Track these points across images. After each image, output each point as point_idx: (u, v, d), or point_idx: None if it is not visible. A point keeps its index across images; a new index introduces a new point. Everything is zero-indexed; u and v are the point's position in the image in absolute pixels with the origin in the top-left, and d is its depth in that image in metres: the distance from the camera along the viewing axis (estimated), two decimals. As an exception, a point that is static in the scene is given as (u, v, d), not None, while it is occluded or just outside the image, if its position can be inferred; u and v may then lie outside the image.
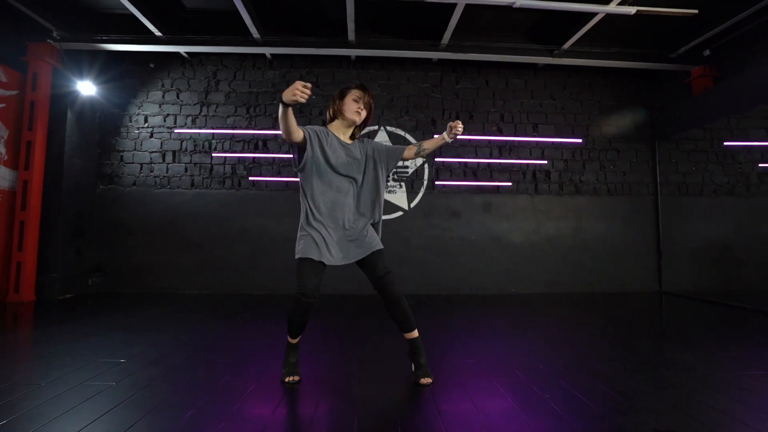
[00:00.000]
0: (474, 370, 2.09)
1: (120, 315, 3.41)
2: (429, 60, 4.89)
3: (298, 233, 1.91)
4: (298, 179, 4.74)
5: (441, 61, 4.91)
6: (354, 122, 1.91)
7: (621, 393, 1.77)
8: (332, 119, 1.97)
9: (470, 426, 1.46)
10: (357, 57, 4.85)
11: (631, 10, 3.71)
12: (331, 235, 1.88)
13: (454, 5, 3.71)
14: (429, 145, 2.02)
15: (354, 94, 1.91)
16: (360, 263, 1.95)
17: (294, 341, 1.97)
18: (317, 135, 1.85)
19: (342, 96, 1.93)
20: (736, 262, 5.09)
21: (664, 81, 5.15)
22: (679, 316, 3.68)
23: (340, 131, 1.95)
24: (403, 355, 2.09)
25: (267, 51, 4.53)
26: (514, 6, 3.64)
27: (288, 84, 4.92)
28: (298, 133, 1.74)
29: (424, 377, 1.87)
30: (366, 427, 1.44)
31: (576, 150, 5.10)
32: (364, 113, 1.92)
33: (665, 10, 3.75)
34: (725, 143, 5.22)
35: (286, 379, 1.89)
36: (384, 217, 4.78)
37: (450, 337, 2.79)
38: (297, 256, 1.87)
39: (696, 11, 3.77)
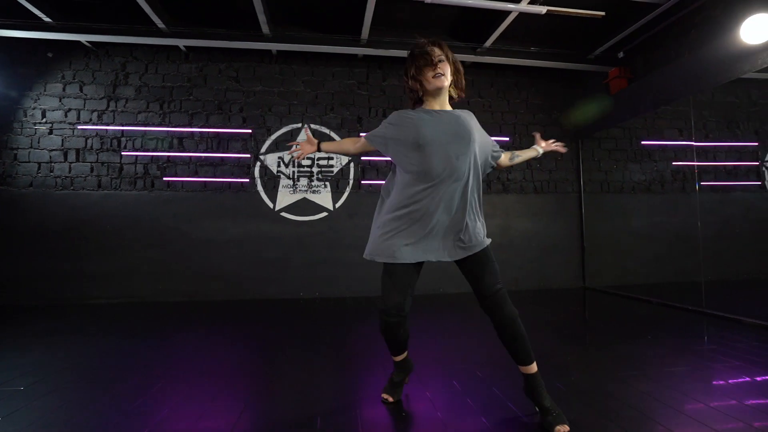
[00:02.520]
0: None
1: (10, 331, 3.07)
2: (355, 56, 4.77)
3: None
4: (215, 179, 4.50)
5: (367, 57, 4.80)
6: (438, 88, 1.55)
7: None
8: (418, 98, 1.62)
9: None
10: (279, 51, 4.65)
11: (542, 9, 3.74)
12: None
13: (363, 2, 3.60)
14: (522, 154, 1.90)
15: (421, 59, 1.54)
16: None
17: (398, 359, 1.78)
18: (397, 126, 1.60)
19: (413, 67, 1.56)
20: (654, 257, 5.32)
21: (586, 81, 5.30)
22: (597, 314, 3.78)
23: (435, 104, 1.61)
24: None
25: (177, 42, 4.24)
26: (425, 2, 3.58)
27: (206, 78, 4.66)
28: (366, 148, 1.72)
29: (559, 424, 1.45)
30: None
31: (504, 148, 5.14)
32: (446, 69, 1.55)
33: (574, 10, 3.81)
34: (643, 142, 5.45)
35: (383, 396, 1.78)
36: (308, 218, 4.65)
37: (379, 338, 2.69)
38: None
39: (603, 13, 3.86)
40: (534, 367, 1.55)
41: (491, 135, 4.96)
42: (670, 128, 5.47)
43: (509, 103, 5.20)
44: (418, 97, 1.62)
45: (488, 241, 1.62)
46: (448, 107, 1.64)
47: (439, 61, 1.55)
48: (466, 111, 1.68)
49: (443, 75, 1.54)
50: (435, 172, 1.51)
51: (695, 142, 4.93)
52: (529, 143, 5.20)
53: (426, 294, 4.64)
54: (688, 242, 5.16)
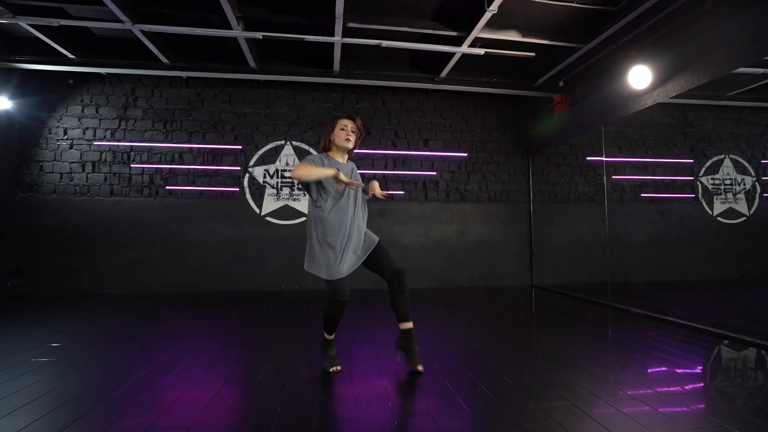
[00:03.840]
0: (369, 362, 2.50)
1: (38, 314, 3.85)
2: (332, 83, 5.53)
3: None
4: (210, 188, 5.24)
5: (342, 84, 5.56)
6: (345, 148, 2.25)
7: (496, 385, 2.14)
8: (328, 147, 2.29)
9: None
10: (265, 80, 5.42)
11: (481, 51, 4.48)
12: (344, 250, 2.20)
13: (332, 44, 4.36)
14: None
15: (341, 123, 2.24)
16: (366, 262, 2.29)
17: (330, 337, 2.32)
18: (321, 162, 2.19)
19: (332, 128, 2.26)
20: (595, 259, 6.03)
21: (536, 105, 6.03)
22: (540, 307, 4.51)
23: (338, 156, 2.28)
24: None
25: (178, 74, 5.02)
26: (381, 46, 4.34)
27: (203, 102, 5.43)
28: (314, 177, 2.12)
29: (419, 364, 2.22)
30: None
31: (462, 163, 5.89)
32: (353, 137, 2.25)
33: (508, 52, 4.55)
34: (587, 158, 6.17)
35: (331, 369, 2.25)
36: (289, 222, 5.41)
37: (354, 329, 3.44)
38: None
39: (533, 54, 4.59)
40: (409, 323, 2.25)
41: (451, 151, 5.70)
42: (611, 147, 6.19)
43: (468, 123, 5.95)
44: (328, 147, 2.33)
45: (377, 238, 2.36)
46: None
47: (351, 131, 2.28)
48: (351, 162, 2.39)
49: (351, 140, 2.28)
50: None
51: (606, 157, 5.63)
52: (485, 159, 5.95)
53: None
54: (623, 248, 5.89)
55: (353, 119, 2.28)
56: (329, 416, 1.74)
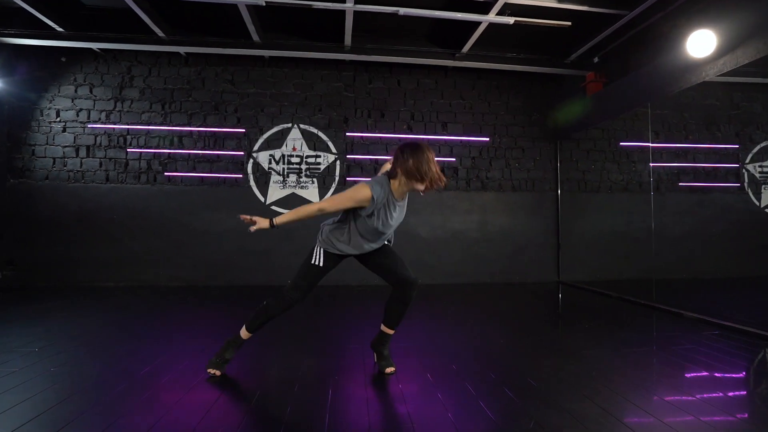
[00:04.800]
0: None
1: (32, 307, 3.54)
2: (342, 60, 5.07)
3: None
4: (212, 174, 4.86)
5: (354, 61, 5.10)
6: (415, 191, 1.87)
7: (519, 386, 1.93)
8: (395, 175, 1.86)
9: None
10: (270, 57, 4.99)
11: (510, 20, 3.98)
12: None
13: (343, 13, 3.90)
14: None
15: (432, 163, 1.82)
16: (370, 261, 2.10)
17: (247, 336, 2.05)
18: (379, 201, 1.85)
19: (418, 167, 1.78)
20: (629, 253, 5.53)
21: (565, 84, 5.49)
22: (569, 305, 4.07)
23: (398, 190, 1.89)
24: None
25: (176, 49, 4.62)
26: (399, 14, 3.86)
27: (204, 81, 5.04)
28: (340, 209, 1.92)
29: (388, 366, 2.08)
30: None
31: (483, 148, 5.41)
32: (423, 188, 1.85)
33: (541, 21, 4.04)
34: (621, 143, 5.64)
35: (210, 370, 2.00)
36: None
37: (360, 326, 3.06)
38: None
39: (569, 23, 4.08)
40: (392, 331, 2.11)
41: (471, 135, 5.22)
42: (648, 130, 5.63)
43: (490, 105, 5.45)
44: (395, 173, 1.87)
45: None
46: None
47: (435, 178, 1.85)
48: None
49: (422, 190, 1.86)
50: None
51: (651, 143, 5.10)
52: (509, 144, 5.46)
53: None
54: (660, 241, 5.37)
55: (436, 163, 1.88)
56: (341, 420, 1.56)
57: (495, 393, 1.82)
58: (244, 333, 2.04)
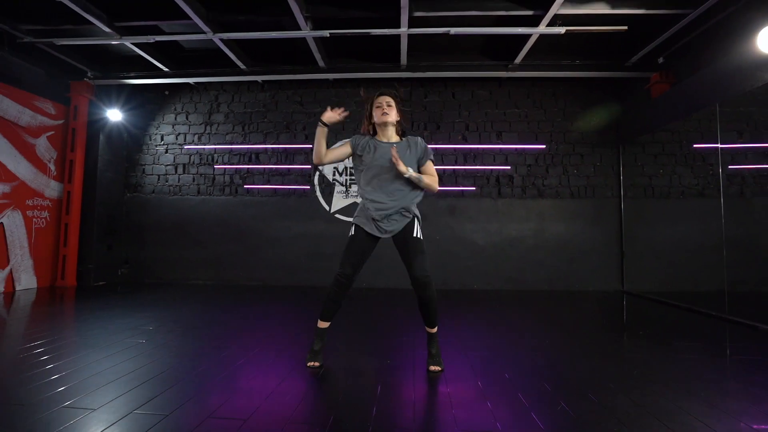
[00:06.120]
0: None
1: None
2: (398, 78, 5.43)
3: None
4: (283, 186, 5.45)
5: (409, 78, 5.43)
6: (385, 123, 2.18)
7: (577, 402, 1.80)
8: (374, 131, 2.25)
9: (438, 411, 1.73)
10: (334, 79, 5.51)
11: (561, 30, 4.04)
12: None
13: (399, 36, 4.26)
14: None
15: (375, 103, 2.19)
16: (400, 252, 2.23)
17: (324, 325, 2.23)
18: (358, 146, 2.20)
19: (369, 112, 2.23)
20: (704, 264, 5.13)
21: (627, 87, 5.31)
22: (635, 316, 3.98)
23: (384, 136, 2.22)
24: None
25: (256, 78, 5.32)
26: (450, 34, 4.12)
27: (277, 104, 5.69)
28: (327, 158, 2.16)
29: (434, 365, 2.18)
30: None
31: (539, 155, 5.41)
32: (391, 110, 2.16)
33: (594, 28, 4.04)
34: (695, 145, 5.28)
35: (309, 363, 2.20)
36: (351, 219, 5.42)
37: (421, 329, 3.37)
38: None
39: (625, 28, 4.02)
40: (435, 330, 2.23)
41: (527, 143, 5.27)
42: (727, 131, 5.22)
43: (546, 112, 5.44)
44: (372, 131, 2.28)
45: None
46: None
47: (387, 104, 2.18)
48: (405, 139, 2.27)
49: (389, 113, 2.18)
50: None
51: (721, 144, 4.71)
52: (566, 150, 5.40)
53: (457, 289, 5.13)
54: (742, 251, 4.93)
55: (385, 94, 2.21)
56: (386, 423, 1.60)
57: (549, 405, 1.74)
58: (319, 323, 2.24)
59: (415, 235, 2.20)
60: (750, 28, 3.52)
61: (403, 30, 4.08)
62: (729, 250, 5.01)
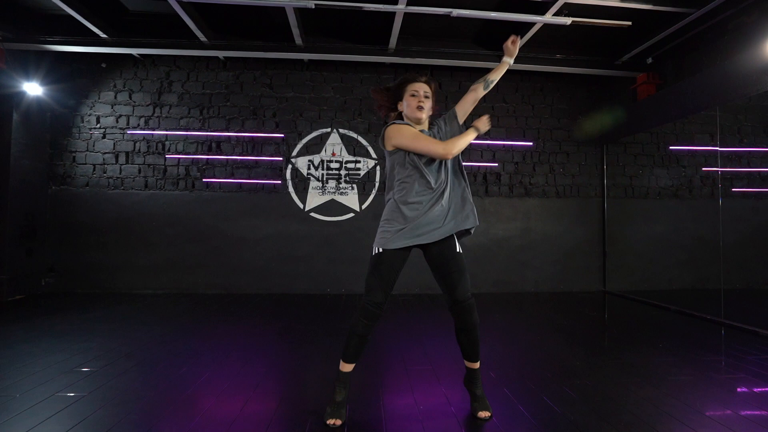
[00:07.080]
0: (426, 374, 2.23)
1: (73, 316, 3.49)
2: (382, 63, 4.94)
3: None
4: (250, 180, 4.76)
5: (394, 64, 4.96)
6: (417, 119, 1.81)
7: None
8: (400, 116, 1.87)
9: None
10: (310, 60, 4.88)
11: (567, 20, 3.79)
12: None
13: (392, 15, 3.77)
14: (494, 75, 1.90)
15: (411, 88, 1.80)
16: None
17: (347, 368, 1.77)
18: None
19: (400, 93, 1.82)
20: (677, 263, 5.29)
21: (613, 87, 5.27)
22: (611, 319, 3.87)
23: (413, 122, 1.84)
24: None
25: (217, 54, 4.54)
26: (451, 15, 3.71)
27: (242, 86, 4.96)
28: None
29: (481, 410, 1.78)
30: None
31: (527, 153, 5.22)
32: (427, 104, 1.81)
33: (600, 21, 3.84)
34: (671, 147, 5.39)
35: (328, 421, 1.68)
36: (336, 219, 4.90)
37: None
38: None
39: (629, 23, 3.87)
40: (478, 364, 1.83)
41: (515, 140, 5.05)
42: (701, 133, 5.38)
43: (534, 108, 5.26)
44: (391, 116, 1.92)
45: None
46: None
47: (425, 96, 1.82)
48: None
49: (424, 109, 1.82)
50: None
51: (720, 147, 4.85)
52: (553, 148, 5.26)
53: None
54: (712, 250, 5.10)
55: (427, 82, 1.84)
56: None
57: (534, 400, 1.93)
58: (342, 366, 1.77)
59: (458, 250, 1.86)
60: (749, 33, 3.51)
61: (401, 7, 3.60)
62: (697, 249, 5.16)
